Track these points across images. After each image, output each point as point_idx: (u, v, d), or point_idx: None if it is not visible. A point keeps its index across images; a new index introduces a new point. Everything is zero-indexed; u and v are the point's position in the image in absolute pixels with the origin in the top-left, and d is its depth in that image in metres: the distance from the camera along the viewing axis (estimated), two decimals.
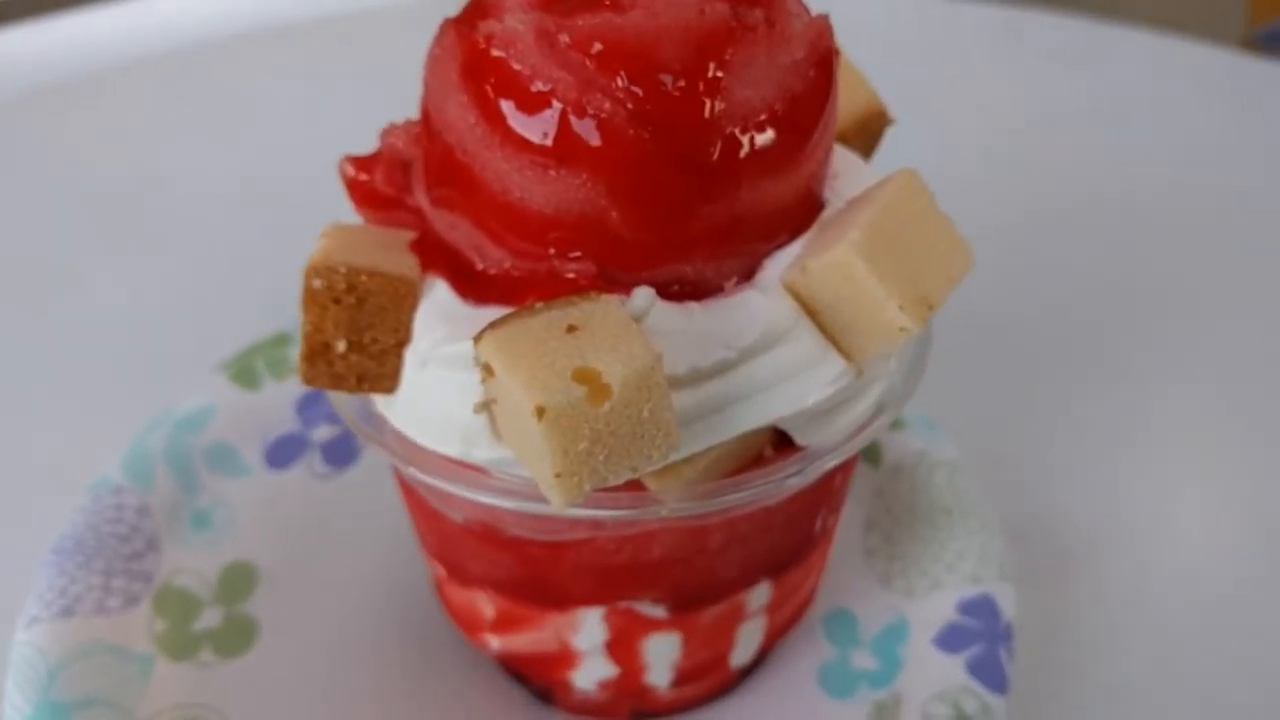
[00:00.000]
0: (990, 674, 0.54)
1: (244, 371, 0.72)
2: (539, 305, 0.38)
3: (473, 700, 0.58)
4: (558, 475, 0.35)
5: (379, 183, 0.44)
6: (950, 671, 0.54)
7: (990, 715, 0.52)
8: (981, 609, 0.57)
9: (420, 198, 0.44)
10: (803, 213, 0.43)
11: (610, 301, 0.38)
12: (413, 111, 0.44)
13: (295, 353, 0.74)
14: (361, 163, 0.44)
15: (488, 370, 0.37)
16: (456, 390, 0.40)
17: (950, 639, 0.56)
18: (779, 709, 0.56)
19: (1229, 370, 0.79)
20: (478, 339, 0.37)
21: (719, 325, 0.40)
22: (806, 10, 0.41)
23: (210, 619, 0.61)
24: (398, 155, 0.44)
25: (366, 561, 0.65)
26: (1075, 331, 0.82)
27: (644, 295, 0.39)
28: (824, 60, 0.41)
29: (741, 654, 0.52)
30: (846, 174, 0.46)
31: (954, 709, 0.52)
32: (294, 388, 0.73)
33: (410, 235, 0.44)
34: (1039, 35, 1.18)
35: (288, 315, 0.76)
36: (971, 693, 0.53)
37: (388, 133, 0.44)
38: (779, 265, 0.42)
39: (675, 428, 0.37)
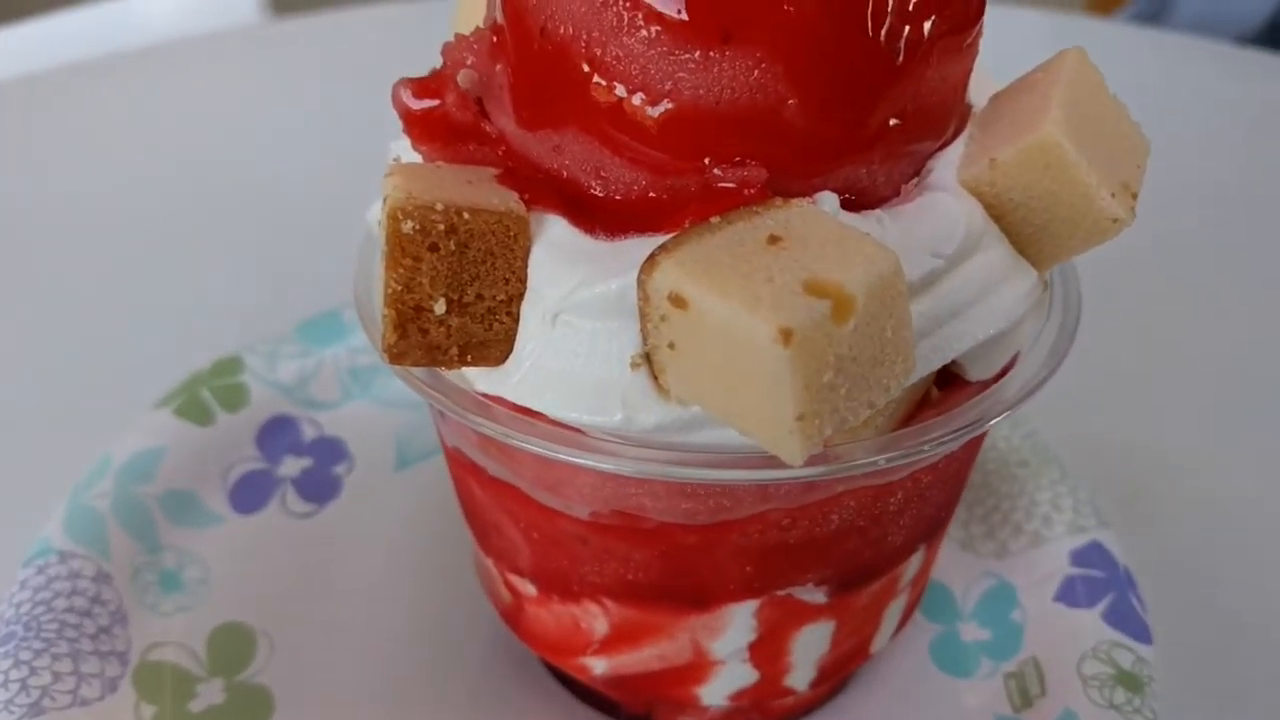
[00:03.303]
0: (1132, 624, 0.49)
1: (191, 405, 0.61)
2: (715, 220, 0.30)
3: None
4: (800, 418, 0.28)
5: (452, 106, 0.35)
6: (1088, 627, 0.49)
7: (1147, 668, 0.47)
8: (1097, 557, 0.52)
9: (504, 122, 0.35)
10: (963, 107, 0.37)
11: (805, 205, 0.31)
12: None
13: (249, 379, 0.64)
14: (425, 86, 0.35)
15: (675, 302, 0.29)
16: (608, 343, 0.32)
17: (1074, 593, 0.51)
18: (907, 698, 0.50)
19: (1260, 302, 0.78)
20: (649, 267, 0.30)
21: (916, 231, 0.33)
22: None
23: (210, 695, 0.50)
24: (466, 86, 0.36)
25: (381, 602, 0.55)
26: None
27: (829, 201, 0.32)
28: None
29: (883, 637, 0.46)
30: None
31: (1112, 666, 0.47)
32: (250, 419, 0.62)
33: (492, 170, 0.35)
34: None
35: (227, 340, 0.65)
36: (1122, 646, 0.48)
37: (454, 49, 0.36)
38: (949, 165, 0.35)
39: (913, 346, 0.30)
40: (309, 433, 0.64)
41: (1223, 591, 0.57)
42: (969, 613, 0.54)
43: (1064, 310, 0.39)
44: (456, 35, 0.36)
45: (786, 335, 0.26)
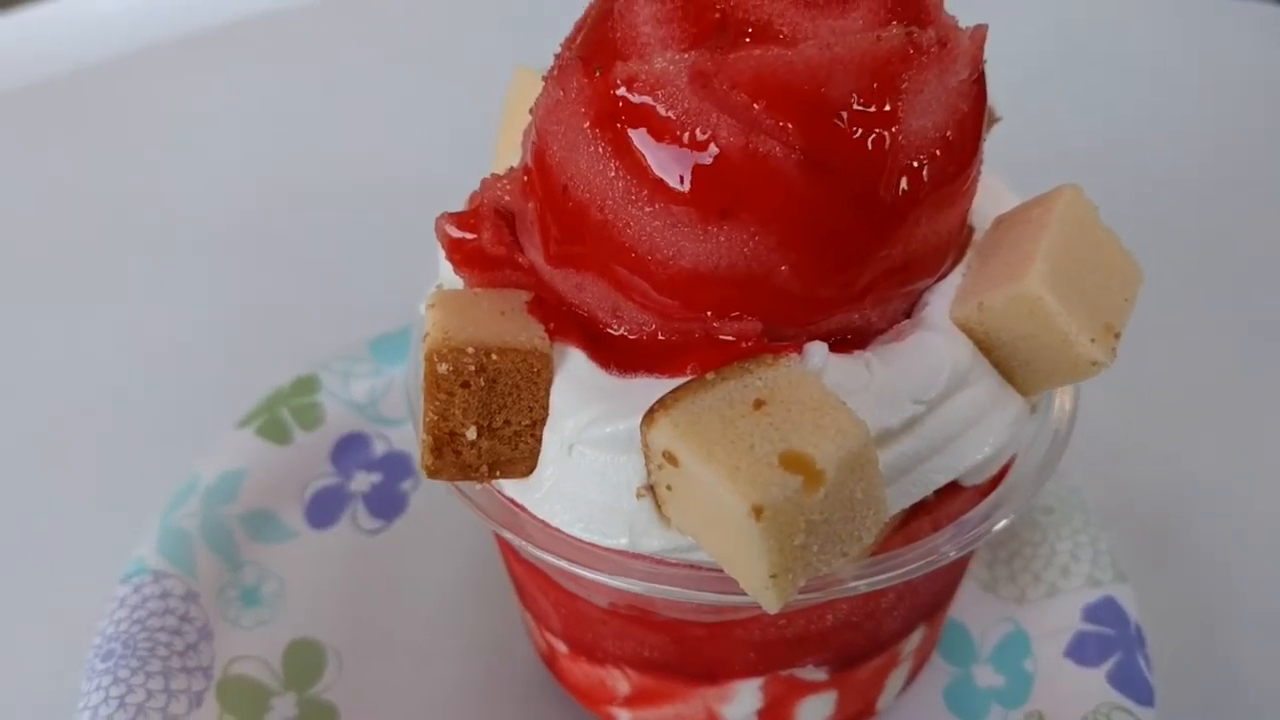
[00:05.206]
0: (1135, 687, 0.51)
1: (272, 425, 0.66)
2: (711, 376, 0.34)
3: None
4: (773, 576, 0.31)
5: (487, 242, 0.39)
6: (1092, 687, 0.52)
7: None
8: (1109, 614, 0.54)
9: (534, 255, 0.39)
10: (961, 239, 0.39)
11: (792, 366, 0.34)
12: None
13: (324, 398, 0.69)
14: (464, 220, 0.39)
15: (668, 459, 0.33)
16: (616, 475, 0.36)
17: (1083, 650, 0.53)
18: None
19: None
20: (648, 421, 0.33)
21: (902, 375, 0.36)
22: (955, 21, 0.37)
23: (284, 710, 0.56)
24: (500, 208, 0.39)
25: (441, 624, 0.60)
26: None
27: (818, 353, 0.35)
28: (981, 74, 0.37)
29: (889, 696, 0.49)
30: None
31: None
32: (325, 436, 0.68)
33: (524, 295, 0.39)
34: None
35: (302, 357, 0.70)
36: (1123, 710, 0.50)
37: (490, 185, 0.39)
38: (943, 298, 0.38)
39: (885, 501, 0.33)
40: (379, 448, 0.69)
41: (1235, 637, 0.58)
42: (985, 657, 0.57)
43: (1059, 412, 0.42)
44: (493, 173, 0.40)
45: (759, 511, 0.30)
